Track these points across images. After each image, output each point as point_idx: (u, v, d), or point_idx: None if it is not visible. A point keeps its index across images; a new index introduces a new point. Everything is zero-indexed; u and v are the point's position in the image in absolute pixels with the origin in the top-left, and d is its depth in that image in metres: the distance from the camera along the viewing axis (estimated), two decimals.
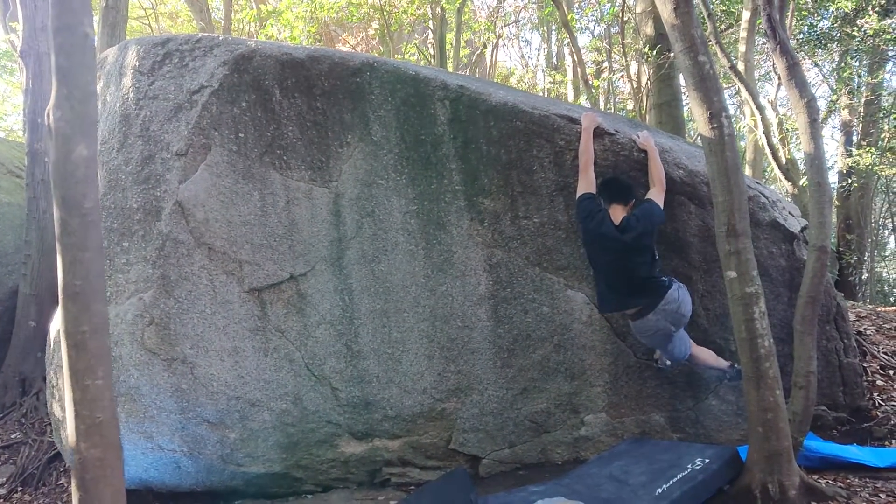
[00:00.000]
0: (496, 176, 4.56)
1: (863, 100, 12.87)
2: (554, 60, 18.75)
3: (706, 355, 4.45)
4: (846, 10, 9.19)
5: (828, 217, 3.93)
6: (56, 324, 4.93)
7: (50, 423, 6.48)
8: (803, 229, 4.76)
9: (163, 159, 4.39)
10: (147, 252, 4.34)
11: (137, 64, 4.51)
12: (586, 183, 4.27)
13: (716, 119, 3.57)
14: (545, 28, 17.69)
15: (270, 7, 10.92)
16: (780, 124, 9.28)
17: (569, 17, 10.52)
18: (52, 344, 4.88)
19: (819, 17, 9.90)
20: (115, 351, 4.28)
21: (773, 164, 8.75)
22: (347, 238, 4.52)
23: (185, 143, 4.36)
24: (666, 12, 3.60)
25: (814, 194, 4.01)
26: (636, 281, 4.12)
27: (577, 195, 4.29)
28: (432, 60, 13.51)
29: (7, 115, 18.71)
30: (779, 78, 9.62)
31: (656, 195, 4.23)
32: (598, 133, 4.45)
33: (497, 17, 15.55)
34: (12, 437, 6.30)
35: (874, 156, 11.70)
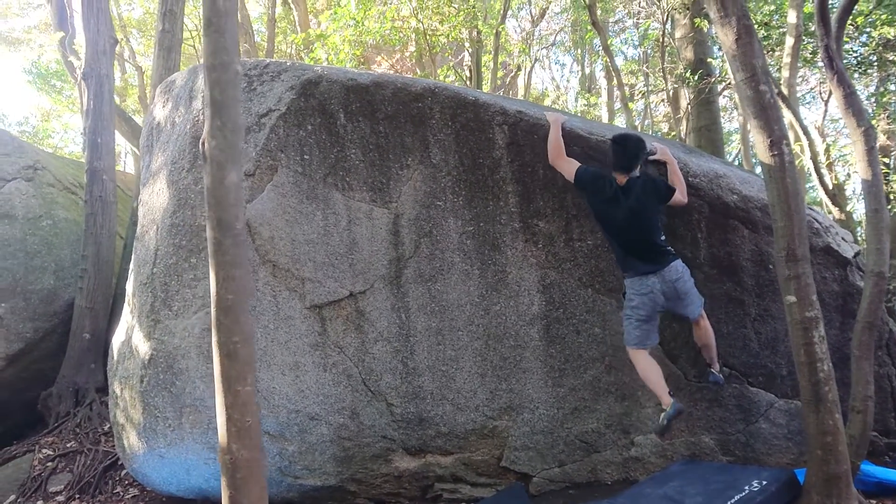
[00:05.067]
0: (551, 199, 4.68)
1: None
2: (587, 83, 18.89)
3: (653, 377, 4.33)
4: (888, 36, 9.21)
5: (886, 243, 3.97)
6: (119, 336, 5.10)
7: (104, 433, 6.68)
8: (856, 255, 4.80)
9: None
10: None
11: None
12: (568, 162, 4.43)
13: (776, 146, 3.65)
14: (579, 51, 17.86)
15: (318, 31, 11.20)
16: (826, 150, 9.29)
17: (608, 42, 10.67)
18: (115, 355, 5.05)
19: (860, 44, 9.92)
20: (181, 363, 4.44)
21: (820, 190, 8.76)
22: (405, 257, 4.65)
23: (253, 164, 4.53)
24: (728, 42, 3.71)
25: (871, 220, 4.06)
26: (649, 243, 4.22)
27: (574, 172, 4.36)
28: (468, 82, 13.71)
29: (54, 132, 19.28)
30: (825, 103, 9.67)
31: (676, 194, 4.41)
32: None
33: (532, 40, 15.74)
34: (68, 445, 6.49)
35: None
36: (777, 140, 3.65)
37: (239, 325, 2.16)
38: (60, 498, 5.74)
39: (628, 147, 4.31)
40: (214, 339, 2.21)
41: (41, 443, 6.60)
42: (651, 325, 4.32)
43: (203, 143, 2.21)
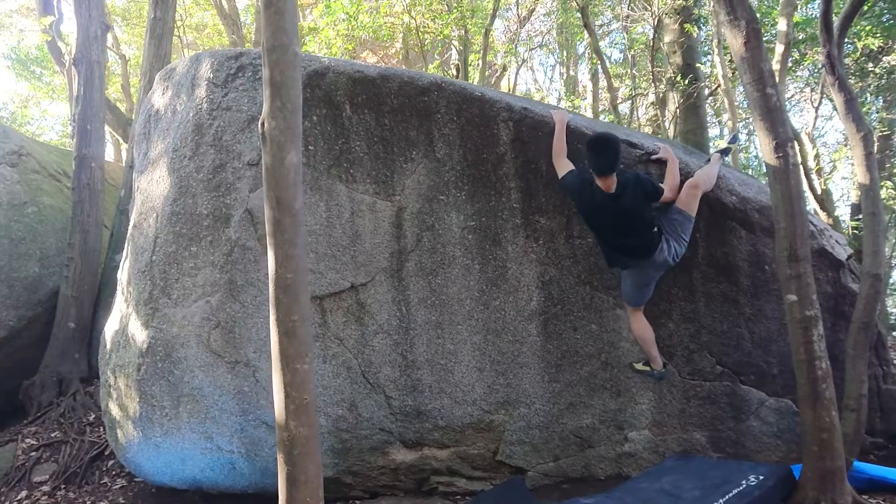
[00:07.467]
0: (553, 196, 4.72)
1: (877, 135, 13.12)
2: (571, 85, 19.00)
3: (649, 336, 4.66)
4: (872, 46, 9.43)
5: (882, 245, 4.09)
6: (112, 325, 5.03)
7: (90, 424, 6.58)
8: (849, 257, 4.90)
9: (234, 168, 4.54)
10: (215, 257, 4.48)
11: (211, 76, 4.67)
12: (564, 164, 4.51)
13: (781, 148, 3.74)
14: (565, 53, 17.96)
15: (311, 24, 11.16)
16: (816, 155, 9.46)
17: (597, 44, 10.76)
18: (108, 345, 4.98)
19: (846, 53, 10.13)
20: (181, 352, 4.41)
21: (809, 194, 8.94)
22: (407, 251, 4.66)
23: (257, 154, 4.50)
24: (736, 45, 3.78)
25: (868, 223, 4.17)
26: (635, 241, 4.33)
27: (561, 175, 4.49)
28: None
29: (32, 119, 18.94)
30: (815, 109, 9.86)
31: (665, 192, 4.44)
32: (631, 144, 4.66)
33: (518, 40, 15.79)
34: (52, 435, 6.39)
35: (889, 189, 11.91)
36: (782, 142, 3.73)
37: (298, 304, 2.16)
38: (46, 488, 5.66)
39: (609, 149, 4.20)
40: (273, 317, 2.20)
41: (24, 432, 6.49)
42: (647, 289, 4.56)
43: (262, 124, 2.21)
